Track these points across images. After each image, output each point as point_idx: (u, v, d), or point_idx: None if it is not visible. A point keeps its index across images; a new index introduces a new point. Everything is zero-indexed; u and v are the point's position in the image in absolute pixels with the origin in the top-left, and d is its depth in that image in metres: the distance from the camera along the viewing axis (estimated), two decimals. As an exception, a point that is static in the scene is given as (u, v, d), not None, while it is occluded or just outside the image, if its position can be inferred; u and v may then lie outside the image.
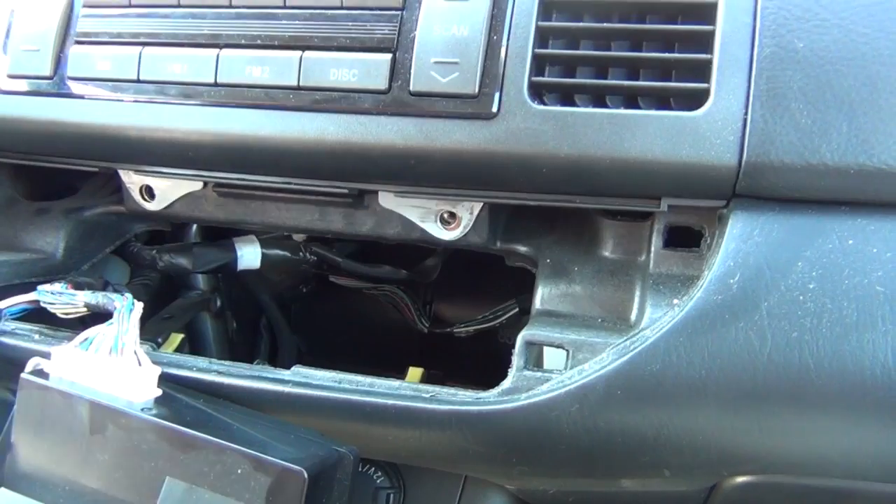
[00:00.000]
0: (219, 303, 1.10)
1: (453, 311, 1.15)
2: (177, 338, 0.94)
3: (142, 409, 0.56)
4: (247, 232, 0.92)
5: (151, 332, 0.94)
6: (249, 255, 0.93)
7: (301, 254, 0.96)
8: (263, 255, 0.94)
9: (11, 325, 0.71)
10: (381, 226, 0.74)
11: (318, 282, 1.16)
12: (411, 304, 1.07)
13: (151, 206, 0.81)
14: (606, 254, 0.68)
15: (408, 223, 0.72)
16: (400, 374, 0.96)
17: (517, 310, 0.91)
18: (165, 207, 0.80)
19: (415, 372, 0.85)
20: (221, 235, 0.94)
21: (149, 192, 0.80)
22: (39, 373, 0.60)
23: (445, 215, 0.72)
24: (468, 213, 0.70)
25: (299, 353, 1.21)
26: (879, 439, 0.53)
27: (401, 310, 1.08)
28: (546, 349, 0.63)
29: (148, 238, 0.97)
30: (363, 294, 1.07)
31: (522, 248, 0.72)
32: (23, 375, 0.59)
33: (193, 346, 1.09)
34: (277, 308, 1.16)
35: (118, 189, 0.82)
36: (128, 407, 0.56)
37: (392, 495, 0.77)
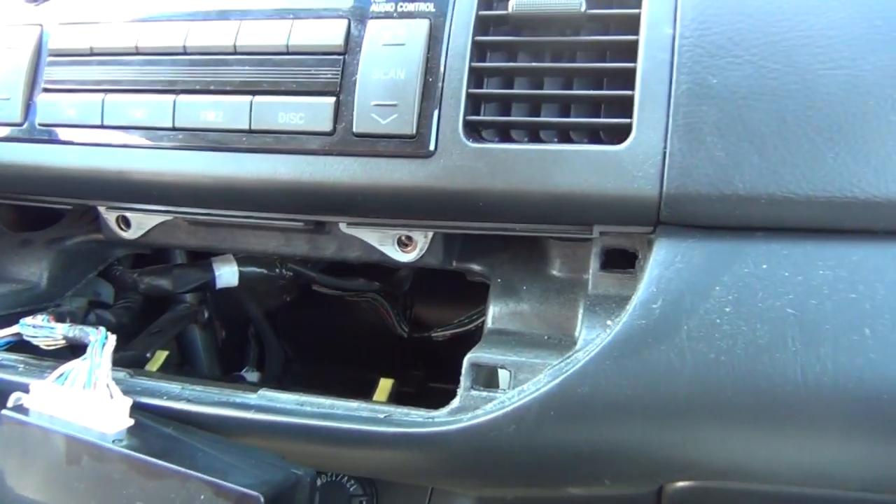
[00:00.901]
0: (206, 314, 1.14)
1: (432, 314, 1.19)
2: (161, 355, 0.99)
3: (113, 441, 0.60)
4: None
5: (141, 346, 0.98)
6: (227, 275, 0.97)
7: (277, 270, 1.00)
8: (241, 272, 0.98)
9: (-1, 356, 0.76)
10: (342, 249, 0.78)
11: (301, 290, 1.20)
12: (391, 309, 1.11)
13: (128, 235, 0.85)
14: (554, 272, 0.72)
15: (368, 246, 0.76)
16: (383, 374, 1.01)
17: (491, 312, 0.95)
18: (141, 236, 0.84)
19: (385, 384, 0.89)
20: (205, 253, 0.98)
21: (125, 222, 0.84)
22: (19, 408, 0.64)
23: (403, 238, 0.75)
24: (423, 236, 0.74)
25: (286, 359, 1.25)
26: (793, 449, 0.57)
27: (381, 316, 1.12)
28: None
29: (133, 258, 1.01)
30: (345, 301, 1.11)
31: (477, 267, 0.76)
32: (3, 412, 0.63)
33: (184, 357, 1.13)
34: (263, 317, 1.20)
35: (96, 218, 0.86)
36: (100, 439, 0.60)
37: (364, 502, 0.81)
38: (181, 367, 1.11)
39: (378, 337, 1.20)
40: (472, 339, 1.04)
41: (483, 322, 0.97)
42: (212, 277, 0.96)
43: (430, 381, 1.19)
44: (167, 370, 1.01)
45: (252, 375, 1.18)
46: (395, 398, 0.93)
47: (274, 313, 1.23)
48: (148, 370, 0.95)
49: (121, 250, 0.94)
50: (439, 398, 0.70)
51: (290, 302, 1.21)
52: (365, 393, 0.92)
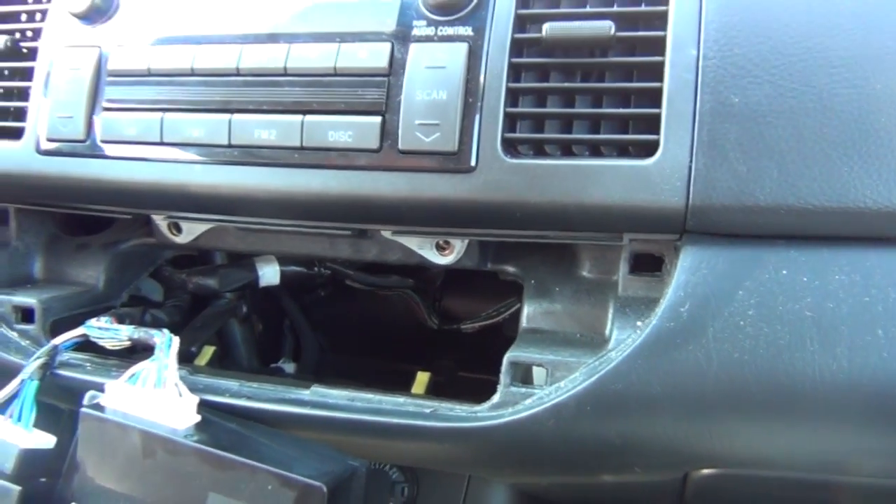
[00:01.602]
0: (245, 309, 1.20)
1: (461, 306, 1.24)
2: (209, 350, 1.04)
3: (185, 436, 0.66)
4: (267, 253, 1.01)
5: (186, 341, 1.04)
6: (269, 274, 1.03)
7: (316, 269, 1.05)
8: (282, 272, 1.03)
9: (66, 356, 0.81)
10: (384, 253, 0.83)
11: (336, 285, 1.25)
12: (421, 302, 1.16)
13: (179, 239, 0.90)
14: (585, 273, 0.76)
15: (407, 250, 0.81)
16: (414, 364, 1.07)
17: (518, 305, 1.00)
18: (192, 240, 0.90)
19: (422, 377, 0.94)
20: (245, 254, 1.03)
21: (176, 227, 0.90)
22: (96, 406, 0.70)
23: (441, 242, 0.80)
24: (460, 241, 0.79)
25: (321, 350, 1.31)
26: (811, 440, 0.62)
27: (412, 308, 1.17)
28: (534, 364, 0.72)
29: (180, 258, 1.06)
30: (377, 294, 1.16)
31: (511, 269, 0.81)
32: (82, 409, 0.69)
33: (225, 349, 1.19)
34: (299, 310, 1.26)
35: (148, 223, 0.92)
36: (172, 434, 0.66)
37: (406, 488, 0.87)
38: (222, 359, 1.17)
39: (409, 328, 1.25)
40: (499, 330, 1.10)
41: (510, 314, 1.03)
42: (255, 277, 1.02)
43: (459, 370, 1.24)
44: (212, 363, 1.07)
45: (289, 367, 1.24)
46: (432, 386, 0.98)
47: (308, 306, 1.28)
48: (198, 365, 1.01)
49: (170, 252, 0.99)
50: (470, 387, 0.76)
51: (324, 296, 1.27)
52: (398, 383, 0.97)
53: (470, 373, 1.23)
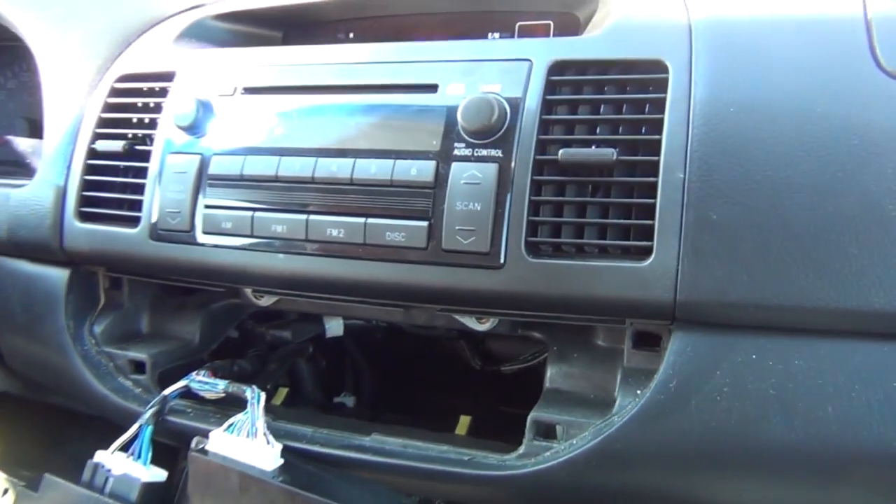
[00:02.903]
0: (311, 350, 1.37)
1: (502, 348, 1.39)
2: (283, 392, 1.22)
3: (273, 477, 0.83)
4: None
5: (262, 380, 1.22)
6: (334, 327, 1.20)
7: (374, 322, 1.22)
8: (345, 325, 1.21)
9: (173, 403, 0.99)
10: (431, 320, 0.99)
11: (391, 329, 1.42)
12: (466, 346, 1.32)
13: (262, 303, 1.08)
14: (599, 342, 0.91)
15: (451, 319, 0.97)
16: (461, 398, 1.22)
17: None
18: (272, 303, 1.07)
19: (464, 420, 1.10)
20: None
21: (260, 294, 1.07)
22: (202, 450, 0.87)
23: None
24: (494, 314, 0.94)
25: (378, 385, 1.47)
26: (775, 493, 0.76)
27: (458, 350, 1.33)
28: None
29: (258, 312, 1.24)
30: (428, 337, 1.32)
31: (538, 335, 0.96)
32: (191, 453, 0.87)
33: (294, 385, 1.36)
34: (359, 351, 1.43)
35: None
36: (262, 475, 0.83)
37: (451, 517, 1.02)
38: (293, 396, 1.35)
39: (456, 368, 1.40)
40: (534, 369, 1.24)
41: (543, 358, 1.17)
42: (323, 329, 1.20)
43: (500, 404, 1.39)
44: (286, 402, 1.25)
45: (349, 400, 1.41)
46: (473, 426, 1.14)
47: (368, 347, 1.45)
48: (275, 405, 1.19)
49: (252, 308, 1.17)
50: (508, 422, 0.90)
51: (381, 338, 1.44)
52: (446, 417, 1.13)
53: (509, 407, 1.38)
